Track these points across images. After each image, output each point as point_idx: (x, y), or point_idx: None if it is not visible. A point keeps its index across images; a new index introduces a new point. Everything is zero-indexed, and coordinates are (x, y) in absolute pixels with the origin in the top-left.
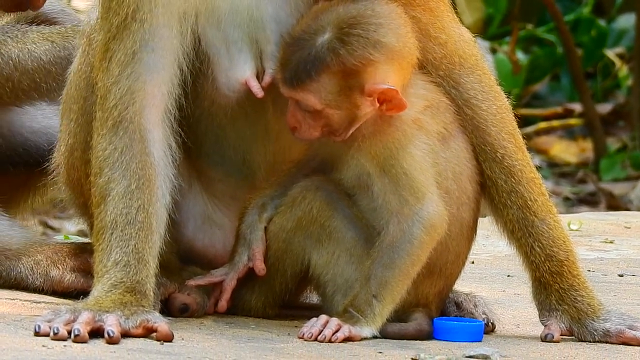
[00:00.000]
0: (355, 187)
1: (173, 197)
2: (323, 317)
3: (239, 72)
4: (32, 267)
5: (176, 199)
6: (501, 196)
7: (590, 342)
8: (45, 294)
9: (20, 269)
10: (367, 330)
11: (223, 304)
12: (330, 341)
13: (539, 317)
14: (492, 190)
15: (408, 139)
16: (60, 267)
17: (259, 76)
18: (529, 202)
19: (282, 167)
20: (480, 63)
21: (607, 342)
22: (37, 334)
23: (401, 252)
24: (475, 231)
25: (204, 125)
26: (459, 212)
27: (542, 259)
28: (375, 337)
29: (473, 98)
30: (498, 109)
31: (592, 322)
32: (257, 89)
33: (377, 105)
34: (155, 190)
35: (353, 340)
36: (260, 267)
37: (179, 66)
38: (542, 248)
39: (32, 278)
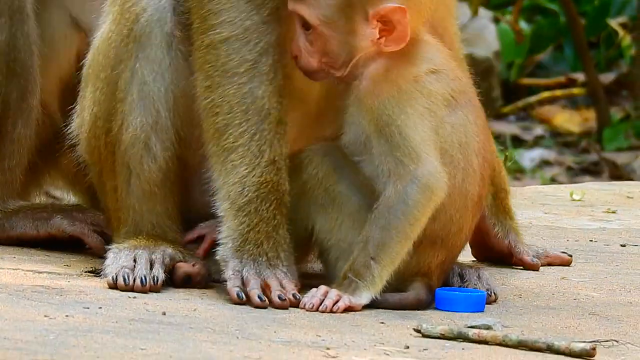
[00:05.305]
0: (358, 152)
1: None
2: (322, 288)
3: None
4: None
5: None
6: None
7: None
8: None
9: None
10: (366, 296)
11: (199, 252)
12: (332, 311)
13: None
14: None
15: (404, 95)
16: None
17: None
18: None
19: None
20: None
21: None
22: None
23: (397, 213)
24: (481, 208)
25: None
26: (464, 184)
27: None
28: (375, 301)
29: None
30: None
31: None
32: None
33: (377, 37)
34: None
35: (354, 310)
36: None
37: None
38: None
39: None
